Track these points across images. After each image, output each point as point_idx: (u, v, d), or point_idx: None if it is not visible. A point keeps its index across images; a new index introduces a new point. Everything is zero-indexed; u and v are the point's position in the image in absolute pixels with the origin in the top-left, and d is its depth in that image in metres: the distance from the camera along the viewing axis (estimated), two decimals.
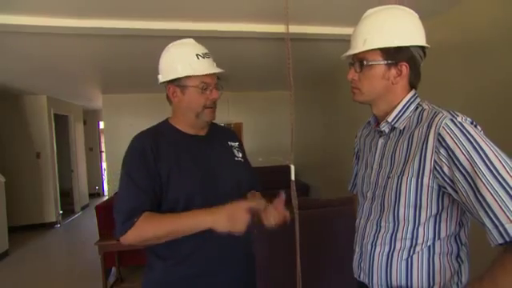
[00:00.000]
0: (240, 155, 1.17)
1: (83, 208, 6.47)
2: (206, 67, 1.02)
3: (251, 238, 1.14)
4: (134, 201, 0.95)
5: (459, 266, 0.82)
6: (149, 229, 0.93)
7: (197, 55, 1.01)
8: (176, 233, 0.94)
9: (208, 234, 0.94)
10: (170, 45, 1.06)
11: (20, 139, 5.04)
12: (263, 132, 5.78)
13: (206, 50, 1.05)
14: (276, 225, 0.99)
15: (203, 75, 1.01)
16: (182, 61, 1.01)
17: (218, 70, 1.05)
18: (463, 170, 0.69)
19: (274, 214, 0.98)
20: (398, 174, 0.81)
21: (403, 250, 0.82)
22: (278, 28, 2.22)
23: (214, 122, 1.16)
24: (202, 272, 1.01)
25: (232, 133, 1.27)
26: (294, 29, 2.27)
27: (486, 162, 0.67)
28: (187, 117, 1.06)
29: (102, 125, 7.12)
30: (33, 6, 1.87)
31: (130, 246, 1.00)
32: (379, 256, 0.85)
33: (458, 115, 0.75)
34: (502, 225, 0.63)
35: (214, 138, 1.14)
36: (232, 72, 3.97)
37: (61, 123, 5.90)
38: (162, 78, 1.06)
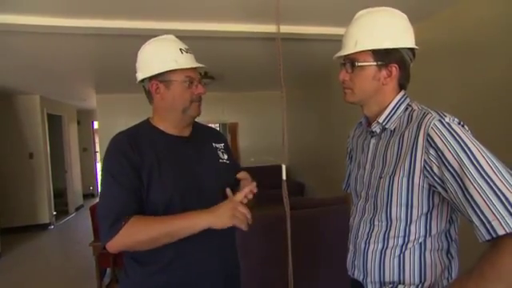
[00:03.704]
0: (225, 157, 1.12)
1: (77, 209, 6.42)
2: (191, 61, 1.00)
3: (235, 248, 1.11)
4: (119, 202, 0.89)
5: (449, 261, 0.84)
6: (140, 231, 0.87)
7: (180, 50, 0.98)
8: (171, 235, 0.88)
9: (192, 241, 0.91)
10: (149, 41, 1.02)
11: (12, 139, 4.99)
12: (258, 132, 5.80)
13: (187, 46, 1.02)
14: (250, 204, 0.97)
15: (187, 69, 0.98)
16: (167, 55, 0.97)
17: (201, 65, 1.02)
18: (452, 170, 0.71)
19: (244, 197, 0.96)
20: (390, 174, 0.83)
21: (396, 247, 0.84)
22: (270, 28, 2.23)
23: (198, 121, 1.12)
24: (183, 281, 0.96)
25: (217, 133, 1.22)
26: (286, 29, 2.29)
27: (473, 161, 0.69)
28: (172, 114, 1.01)
29: (96, 125, 7.07)
30: (25, 6, 1.86)
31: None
32: (372, 253, 0.87)
33: (445, 116, 0.77)
34: (489, 221, 0.65)
35: (198, 139, 1.09)
36: (228, 72, 3.97)
37: (54, 123, 5.85)
38: (142, 75, 1.00)
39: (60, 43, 2.56)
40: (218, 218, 0.87)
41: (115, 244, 0.87)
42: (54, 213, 5.44)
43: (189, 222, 0.88)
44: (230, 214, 0.87)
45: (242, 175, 1.03)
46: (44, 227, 5.15)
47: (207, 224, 0.87)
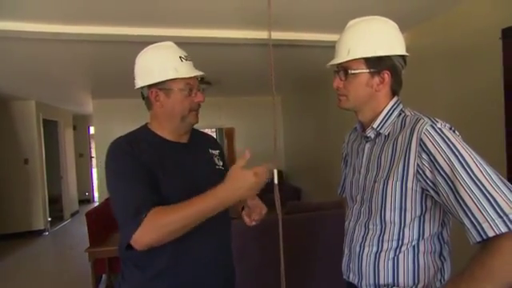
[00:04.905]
0: (221, 163, 1.14)
1: (73, 215, 6.37)
2: (191, 69, 1.00)
3: (231, 249, 1.13)
4: (137, 196, 0.86)
5: (442, 263, 0.85)
6: (168, 219, 0.82)
7: (180, 57, 0.99)
8: (200, 214, 0.84)
9: (190, 244, 0.91)
10: (148, 47, 1.01)
11: (7, 145, 4.96)
12: (255, 136, 5.79)
13: (186, 53, 1.02)
14: (258, 220, 1.03)
15: (188, 77, 0.98)
16: (167, 63, 0.97)
17: (201, 73, 1.03)
18: (444, 174, 0.73)
19: (255, 211, 1.03)
20: (384, 178, 0.84)
21: (390, 250, 0.85)
22: (264, 34, 2.26)
23: (195, 128, 1.13)
24: (182, 284, 0.97)
25: (213, 140, 1.24)
26: (281, 35, 2.32)
27: (464, 165, 0.71)
28: (171, 122, 1.02)
29: (92, 130, 7.04)
30: (21, 12, 1.87)
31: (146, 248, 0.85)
32: (367, 256, 0.88)
33: (437, 121, 0.79)
34: (480, 224, 0.67)
35: (196, 145, 1.10)
36: (225, 77, 4.00)
37: (50, 129, 5.82)
38: (142, 82, 0.99)
39: (56, 49, 2.57)
40: (244, 192, 0.85)
41: (141, 238, 0.82)
42: (49, 219, 5.39)
43: (215, 200, 0.84)
44: (249, 185, 0.84)
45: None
46: (39, 233, 5.10)
47: (237, 199, 0.86)
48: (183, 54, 1.01)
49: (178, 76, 0.97)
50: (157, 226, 0.83)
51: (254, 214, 1.05)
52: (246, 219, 1.07)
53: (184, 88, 0.98)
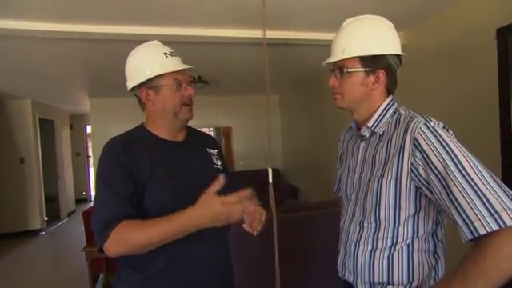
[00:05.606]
0: (219, 163, 1.13)
1: (70, 214, 6.34)
2: (177, 64, 1.01)
3: (229, 250, 1.12)
4: (109, 209, 0.88)
5: (436, 261, 0.86)
6: (130, 236, 0.86)
7: (165, 54, 0.99)
8: (163, 239, 0.86)
9: (188, 245, 0.91)
10: (135, 49, 1.03)
11: (3, 144, 4.92)
12: (253, 136, 5.80)
13: (172, 50, 1.03)
14: (260, 228, 1.00)
15: (175, 72, 0.99)
16: (152, 61, 0.98)
17: (187, 66, 1.03)
18: (437, 172, 0.74)
19: (255, 219, 1.00)
20: (378, 176, 0.85)
21: (385, 249, 0.85)
22: (260, 33, 2.26)
23: (193, 127, 1.13)
24: (180, 285, 0.97)
25: (211, 139, 1.23)
26: (276, 34, 2.31)
27: (457, 164, 0.72)
28: (164, 119, 1.02)
29: (89, 129, 7.02)
30: (18, 10, 1.86)
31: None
32: (362, 255, 0.89)
33: (431, 120, 0.80)
34: (472, 222, 0.68)
35: (193, 144, 1.10)
36: (222, 77, 3.99)
37: (46, 128, 5.79)
38: (132, 83, 1.01)
39: (52, 48, 2.55)
40: (208, 221, 0.85)
41: (109, 249, 0.87)
42: (46, 218, 5.36)
43: (181, 226, 0.85)
44: (225, 217, 0.84)
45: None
46: (35, 233, 5.07)
47: (202, 227, 0.85)
48: (168, 50, 1.02)
49: (163, 71, 0.97)
50: (121, 241, 0.86)
51: (255, 222, 1.03)
52: (248, 230, 1.05)
53: (172, 83, 0.99)
